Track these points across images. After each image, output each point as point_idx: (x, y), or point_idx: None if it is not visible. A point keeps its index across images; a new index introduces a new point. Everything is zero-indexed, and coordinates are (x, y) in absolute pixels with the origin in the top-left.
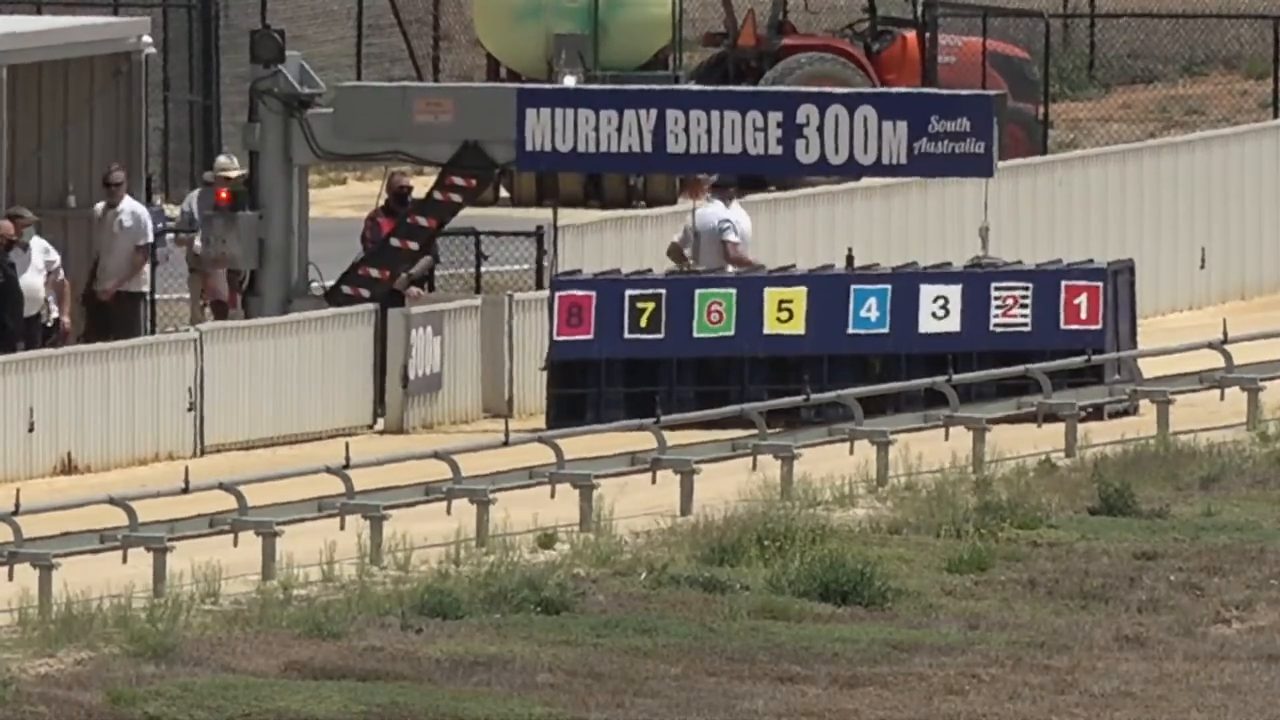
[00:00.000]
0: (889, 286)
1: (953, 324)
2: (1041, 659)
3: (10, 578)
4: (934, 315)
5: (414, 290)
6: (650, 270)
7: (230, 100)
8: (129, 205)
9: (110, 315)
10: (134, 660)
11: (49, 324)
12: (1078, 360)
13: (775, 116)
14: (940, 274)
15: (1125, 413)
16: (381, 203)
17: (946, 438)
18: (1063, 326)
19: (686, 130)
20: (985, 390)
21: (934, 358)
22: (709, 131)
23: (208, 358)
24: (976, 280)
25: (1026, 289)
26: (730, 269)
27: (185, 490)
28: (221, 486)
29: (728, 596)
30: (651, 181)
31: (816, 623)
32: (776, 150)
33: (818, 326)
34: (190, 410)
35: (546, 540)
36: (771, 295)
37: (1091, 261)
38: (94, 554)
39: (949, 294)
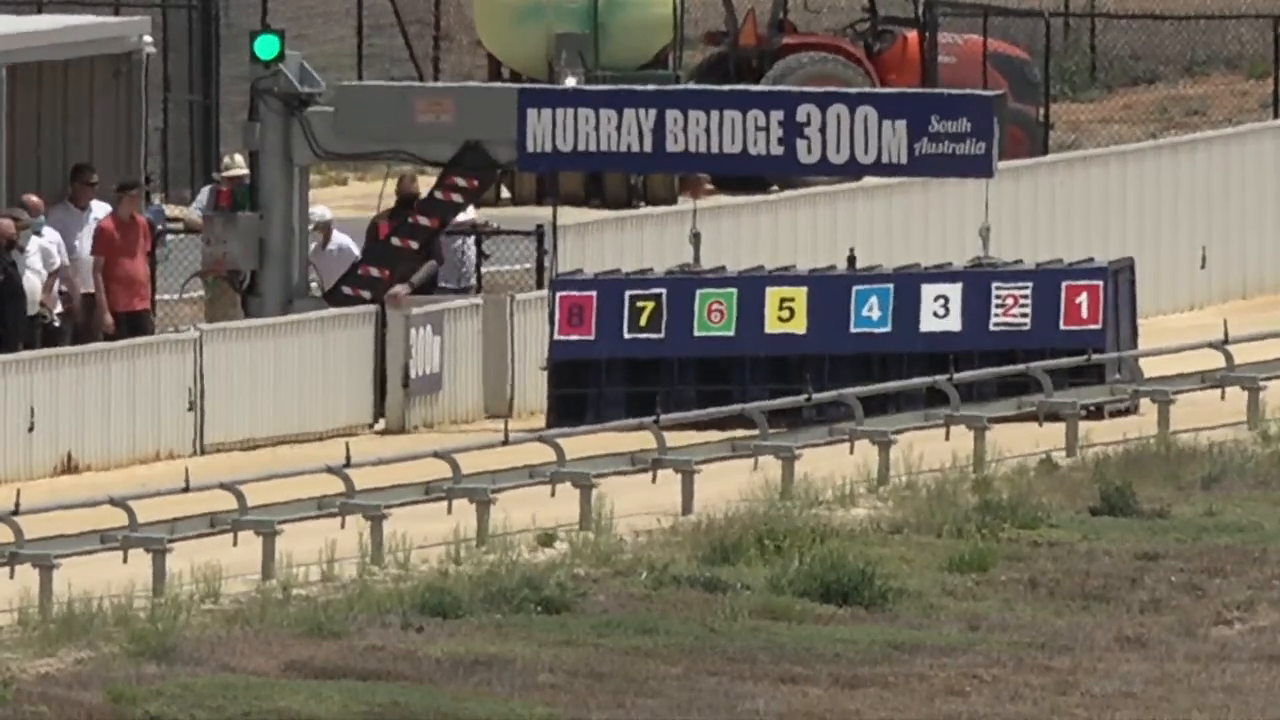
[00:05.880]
0: (890, 286)
1: (953, 323)
2: (1042, 660)
3: (11, 577)
4: (935, 315)
5: (399, 289)
6: (651, 270)
7: (230, 100)
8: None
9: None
10: (134, 660)
11: (55, 323)
12: (1078, 359)
13: (776, 116)
14: (941, 274)
15: (1126, 412)
16: (390, 206)
17: (947, 437)
18: (1063, 326)
19: (687, 130)
20: (986, 390)
21: (935, 357)
22: (709, 131)
23: (208, 358)
24: (977, 280)
25: (1027, 289)
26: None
27: (185, 490)
28: (222, 486)
29: (728, 596)
30: (652, 181)
31: (817, 623)
32: (777, 150)
33: (819, 326)
34: (190, 410)
35: (546, 540)
36: (773, 295)
37: (1092, 261)
38: (94, 554)
39: (950, 293)
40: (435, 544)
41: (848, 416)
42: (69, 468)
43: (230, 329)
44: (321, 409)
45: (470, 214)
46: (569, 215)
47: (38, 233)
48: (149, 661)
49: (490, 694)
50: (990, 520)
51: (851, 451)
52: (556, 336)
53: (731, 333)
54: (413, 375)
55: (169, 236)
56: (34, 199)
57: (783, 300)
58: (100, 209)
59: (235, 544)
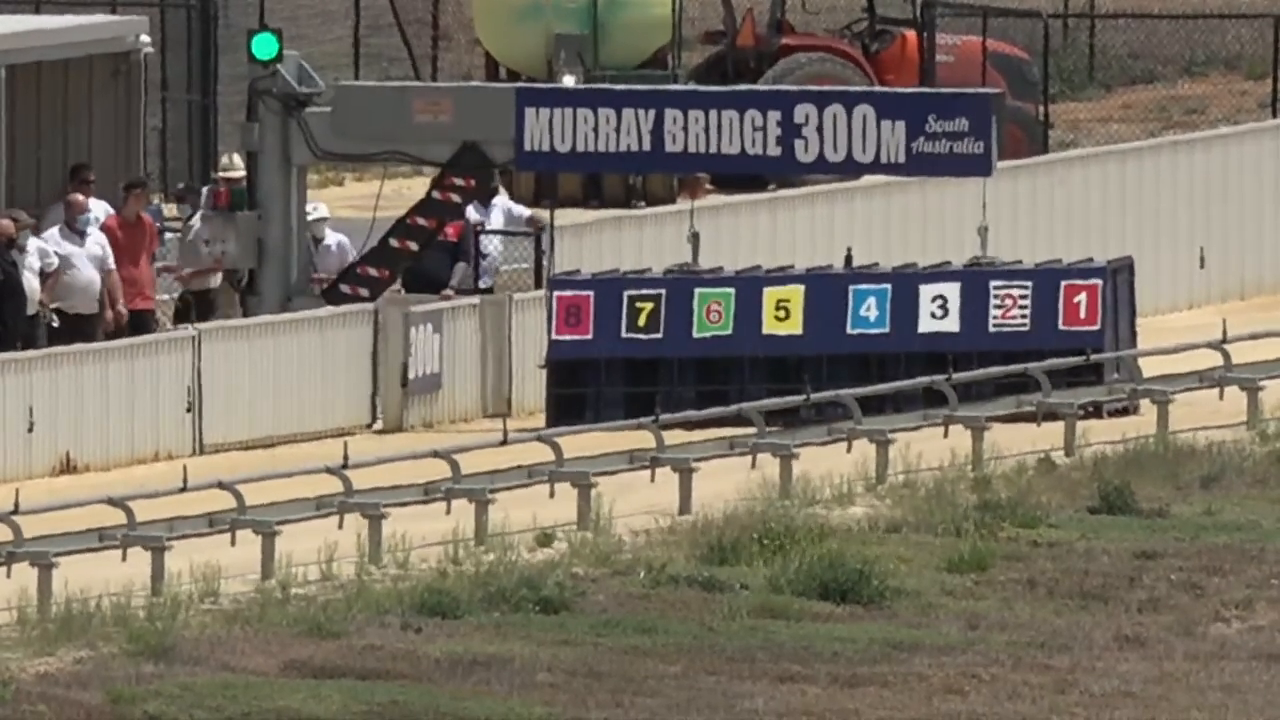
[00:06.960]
0: (888, 286)
1: (952, 324)
2: (1041, 659)
3: (9, 577)
4: (933, 315)
5: (448, 292)
6: (649, 270)
7: (229, 100)
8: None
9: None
10: (133, 659)
11: (53, 322)
12: (1077, 359)
13: (774, 116)
14: (939, 273)
15: (1125, 412)
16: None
17: (946, 436)
18: (1062, 326)
19: (685, 130)
20: (984, 389)
21: (933, 357)
22: (707, 131)
23: (206, 357)
24: (976, 280)
25: (1026, 288)
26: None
27: (184, 490)
28: (220, 486)
29: (727, 596)
30: (650, 181)
31: (816, 622)
32: (775, 150)
33: (816, 326)
34: (189, 410)
35: (545, 539)
36: (770, 295)
37: (1091, 261)
38: (93, 553)
39: (948, 293)
40: (434, 544)
41: (846, 417)
42: (68, 467)
43: (228, 328)
44: (320, 409)
45: (523, 212)
46: (567, 215)
47: (84, 232)
48: (148, 661)
49: (489, 693)
50: (989, 519)
51: (849, 450)
52: (554, 336)
53: (729, 333)
54: (412, 375)
55: (167, 235)
56: (79, 198)
57: (779, 301)
58: (98, 208)
59: (234, 544)
